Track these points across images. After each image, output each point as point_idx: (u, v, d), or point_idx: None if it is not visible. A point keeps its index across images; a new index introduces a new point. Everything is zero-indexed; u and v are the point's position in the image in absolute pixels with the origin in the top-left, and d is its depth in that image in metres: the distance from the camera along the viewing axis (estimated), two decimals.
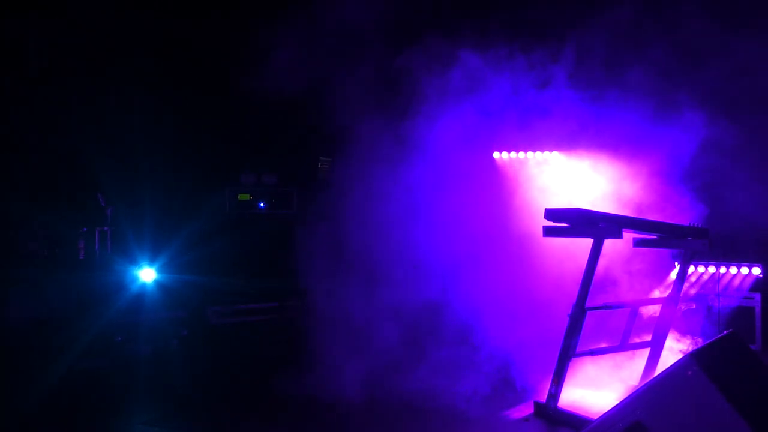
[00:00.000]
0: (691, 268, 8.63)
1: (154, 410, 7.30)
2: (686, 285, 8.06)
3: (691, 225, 7.01)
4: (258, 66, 8.66)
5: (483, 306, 8.30)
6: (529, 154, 9.53)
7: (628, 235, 7.06)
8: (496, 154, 9.80)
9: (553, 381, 6.86)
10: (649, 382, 4.79)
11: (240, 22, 9.85)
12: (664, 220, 7.36)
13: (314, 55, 8.91)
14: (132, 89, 9.93)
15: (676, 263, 7.67)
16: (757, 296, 8.67)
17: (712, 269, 8.92)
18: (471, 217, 8.77)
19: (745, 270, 8.72)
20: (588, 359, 7.30)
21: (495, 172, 9.70)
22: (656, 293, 8.11)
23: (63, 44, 9.88)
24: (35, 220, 9.83)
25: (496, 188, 9.35)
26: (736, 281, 8.76)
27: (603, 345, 7.29)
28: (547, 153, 9.37)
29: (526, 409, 7.13)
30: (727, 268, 8.80)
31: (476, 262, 8.50)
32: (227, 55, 10.06)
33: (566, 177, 9.00)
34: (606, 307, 6.97)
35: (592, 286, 6.77)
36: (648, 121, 8.13)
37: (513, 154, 9.67)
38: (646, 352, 7.27)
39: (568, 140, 8.79)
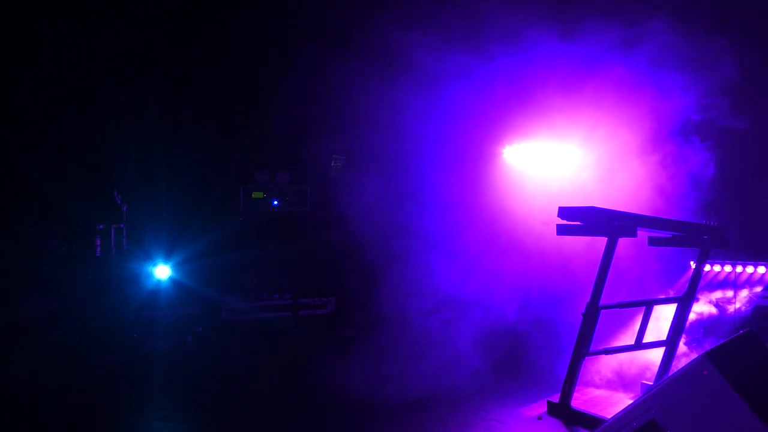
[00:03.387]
0: (707, 267, 8.55)
1: (170, 405, 7.37)
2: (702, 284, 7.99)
3: (707, 223, 6.94)
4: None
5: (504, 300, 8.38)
6: (539, 144, 9.48)
7: (643, 234, 7.01)
8: (506, 150, 9.77)
9: (566, 379, 6.83)
10: (663, 381, 4.76)
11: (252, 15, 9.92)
12: (680, 219, 7.31)
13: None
14: (148, 89, 10.02)
15: (692, 262, 7.61)
16: None
17: (728, 268, 8.83)
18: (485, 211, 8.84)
19: (762, 269, 8.63)
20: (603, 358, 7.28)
21: (503, 167, 9.70)
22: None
23: (80, 44, 9.98)
24: (53, 218, 9.96)
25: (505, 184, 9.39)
26: (754, 280, 8.66)
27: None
28: (557, 143, 9.32)
29: (539, 408, 7.12)
30: (744, 267, 8.71)
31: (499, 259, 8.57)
32: (240, 52, 10.13)
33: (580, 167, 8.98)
34: (620, 305, 6.92)
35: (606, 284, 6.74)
36: (662, 115, 8.09)
37: (523, 145, 9.62)
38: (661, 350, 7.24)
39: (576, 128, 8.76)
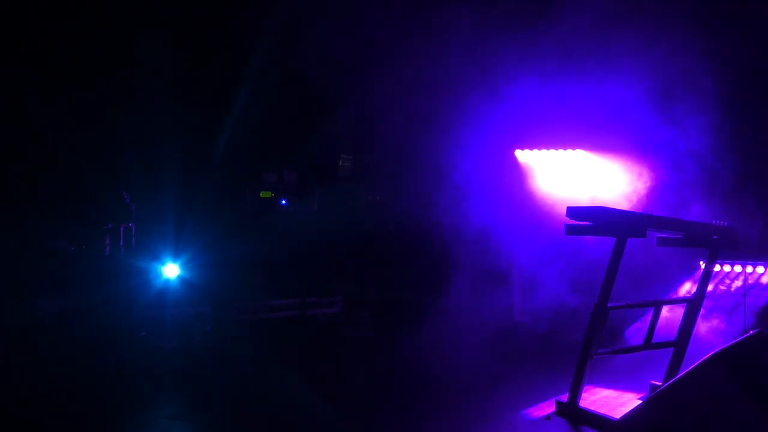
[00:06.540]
0: (717, 267, 8.50)
1: (178, 404, 7.39)
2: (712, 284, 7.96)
3: (716, 223, 6.89)
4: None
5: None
6: (552, 151, 9.50)
7: (652, 234, 6.96)
8: (518, 152, 9.77)
9: (574, 379, 6.80)
10: (672, 381, 4.74)
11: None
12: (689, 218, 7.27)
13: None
14: (157, 89, 10.08)
15: (701, 262, 7.56)
16: None
17: (738, 268, 8.77)
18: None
19: None
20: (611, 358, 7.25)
21: (517, 169, 9.71)
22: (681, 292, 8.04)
23: (89, 43, 10.05)
24: (62, 217, 10.03)
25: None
26: (764, 280, 8.60)
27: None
28: (569, 150, 9.34)
29: (547, 408, 7.09)
30: (754, 267, 8.64)
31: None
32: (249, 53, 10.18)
33: (588, 173, 8.99)
34: (629, 306, 6.88)
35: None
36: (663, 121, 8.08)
37: (535, 151, 9.65)
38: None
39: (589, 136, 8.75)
